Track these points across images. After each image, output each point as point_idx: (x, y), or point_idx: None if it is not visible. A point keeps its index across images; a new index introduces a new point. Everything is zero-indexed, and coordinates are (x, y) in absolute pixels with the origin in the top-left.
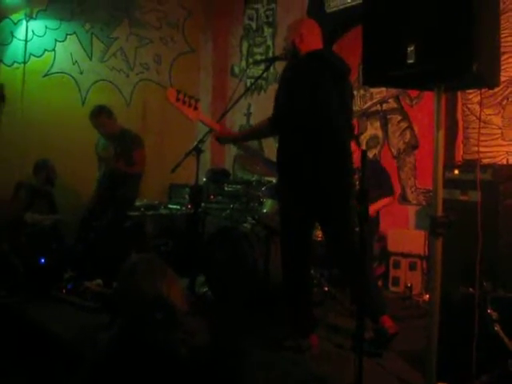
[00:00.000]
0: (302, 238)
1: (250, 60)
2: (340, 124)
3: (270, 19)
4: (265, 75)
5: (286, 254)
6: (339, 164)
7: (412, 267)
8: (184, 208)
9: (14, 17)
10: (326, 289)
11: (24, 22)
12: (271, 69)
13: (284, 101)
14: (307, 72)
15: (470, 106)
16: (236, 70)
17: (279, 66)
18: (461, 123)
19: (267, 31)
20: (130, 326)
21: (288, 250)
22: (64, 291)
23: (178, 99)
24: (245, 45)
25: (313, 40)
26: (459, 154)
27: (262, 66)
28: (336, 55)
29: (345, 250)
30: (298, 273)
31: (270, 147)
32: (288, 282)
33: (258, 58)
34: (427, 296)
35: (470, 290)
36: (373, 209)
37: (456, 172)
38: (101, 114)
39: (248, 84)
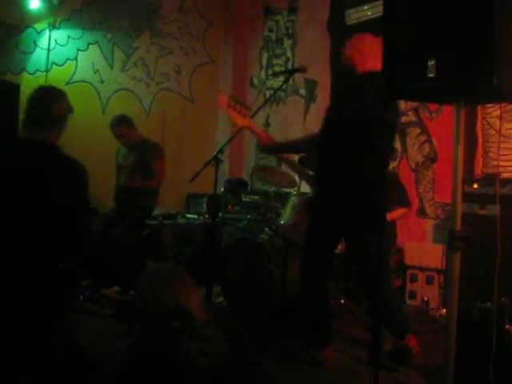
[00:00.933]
0: (328, 252)
1: (270, 71)
2: (385, 149)
3: (290, 31)
4: (284, 87)
5: (307, 265)
6: (379, 185)
7: (429, 281)
8: (201, 218)
9: (38, 26)
10: (343, 301)
11: (47, 31)
12: (290, 80)
13: (333, 118)
14: (359, 93)
15: (489, 119)
16: (255, 81)
17: (298, 78)
18: (480, 137)
19: (287, 43)
20: (148, 334)
21: (310, 263)
22: (81, 298)
23: (229, 105)
24: (264, 56)
25: (370, 59)
26: (478, 168)
27: (282, 78)
28: None
29: (369, 263)
30: (317, 286)
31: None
32: (306, 294)
33: (278, 69)
34: (444, 310)
35: (488, 304)
36: (388, 218)
37: (475, 186)
38: (121, 124)
39: (267, 95)
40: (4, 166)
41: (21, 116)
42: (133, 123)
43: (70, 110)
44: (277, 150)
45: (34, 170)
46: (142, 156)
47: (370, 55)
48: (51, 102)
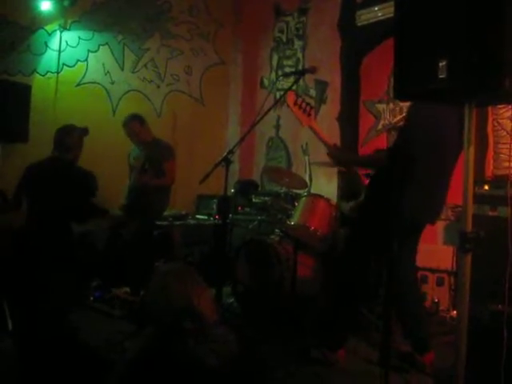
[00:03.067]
0: (369, 261)
1: (280, 72)
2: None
3: (301, 32)
4: (294, 88)
5: (356, 275)
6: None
7: (439, 283)
8: (212, 219)
9: (49, 27)
10: None
11: (58, 32)
12: (300, 81)
13: (413, 137)
14: (440, 115)
15: (500, 120)
16: (265, 82)
17: (308, 79)
18: (491, 138)
19: (297, 44)
20: (160, 334)
21: (353, 271)
22: (91, 299)
23: (295, 103)
24: (275, 57)
25: None
26: (489, 170)
27: (292, 79)
28: None
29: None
30: (360, 295)
31: (300, 162)
32: (344, 301)
33: (288, 70)
34: (454, 312)
35: (499, 307)
36: None
37: (486, 187)
38: (133, 121)
39: (277, 96)
40: (43, 173)
41: (32, 117)
42: (145, 122)
43: (80, 138)
44: (349, 161)
45: (57, 176)
46: (153, 155)
47: None
48: (64, 136)
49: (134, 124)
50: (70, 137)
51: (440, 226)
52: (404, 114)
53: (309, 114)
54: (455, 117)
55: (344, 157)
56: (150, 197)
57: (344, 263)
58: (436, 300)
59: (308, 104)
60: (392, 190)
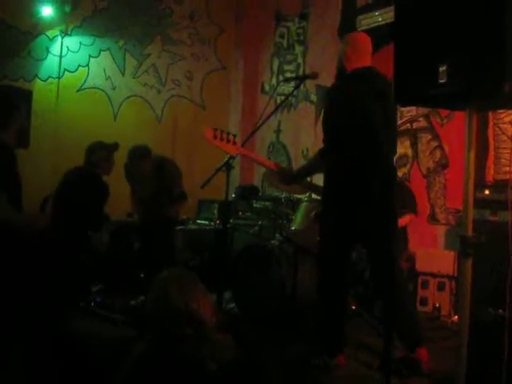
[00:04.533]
0: (344, 260)
1: (281, 77)
2: (383, 141)
3: (301, 37)
4: (295, 93)
5: (325, 274)
6: (387, 183)
7: (440, 287)
8: (212, 223)
9: (50, 33)
10: (353, 307)
11: (59, 38)
12: (301, 86)
13: (331, 121)
14: (348, 93)
15: (501, 125)
16: (266, 87)
17: (309, 84)
18: (492, 143)
19: (298, 49)
20: (160, 340)
21: (328, 272)
22: (92, 304)
23: (215, 137)
24: (275, 62)
25: (357, 57)
26: (490, 174)
27: (293, 84)
28: (379, 74)
29: (387, 271)
30: (336, 294)
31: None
32: (326, 306)
33: (289, 75)
34: (456, 317)
35: (500, 311)
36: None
37: (487, 192)
38: (143, 160)
39: (278, 101)
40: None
41: (33, 122)
42: (149, 154)
43: (108, 154)
44: (295, 177)
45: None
46: (162, 182)
47: (355, 53)
48: (89, 154)
49: (145, 165)
50: (94, 155)
51: (441, 230)
52: (404, 119)
53: (234, 143)
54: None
55: (289, 174)
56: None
57: (320, 263)
58: (437, 305)
59: (229, 134)
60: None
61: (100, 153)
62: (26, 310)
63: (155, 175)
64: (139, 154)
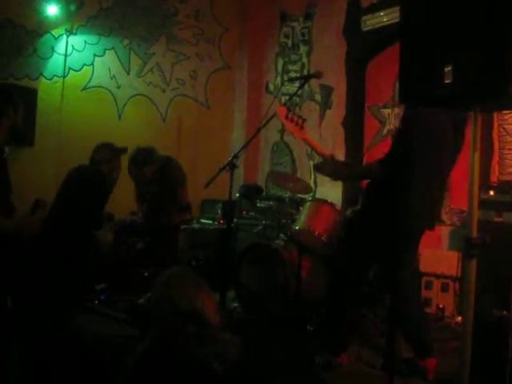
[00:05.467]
0: (367, 269)
1: (285, 77)
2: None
3: (306, 37)
4: (299, 93)
5: (347, 284)
6: (430, 212)
7: (444, 288)
8: (216, 223)
9: (55, 32)
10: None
11: (64, 36)
12: (306, 86)
13: (403, 146)
14: (434, 125)
15: (506, 126)
16: (271, 86)
17: (314, 84)
18: (496, 144)
19: (303, 49)
20: (163, 339)
21: (352, 282)
22: (96, 302)
23: (286, 117)
24: (280, 62)
25: None
26: (494, 175)
27: (297, 84)
28: None
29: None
30: (353, 302)
31: (305, 167)
32: (339, 309)
33: (293, 75)
34: (459, 318)
35: (504, 312)
36: None
37: (491, 193)
38: (146, 166)
39: (283, 101)
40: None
41: (38, 121)
42: (152, 159)
43: (113, 155)
44: (344, 175)
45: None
46: (167, 187)
47: None
48: (93, 153)
49: (148, 169)
50: (98, 154)
51: (445, 231)
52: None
53: (301, 127)
54: (450, 122)
55: (338, 168)
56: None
57: (343, 268)
58: (441, 306)
59: (300, 117)
60: (390, 198)
61: (104, 153)
62: (27, 309)
63: (158, 177)
64: (141, 160)
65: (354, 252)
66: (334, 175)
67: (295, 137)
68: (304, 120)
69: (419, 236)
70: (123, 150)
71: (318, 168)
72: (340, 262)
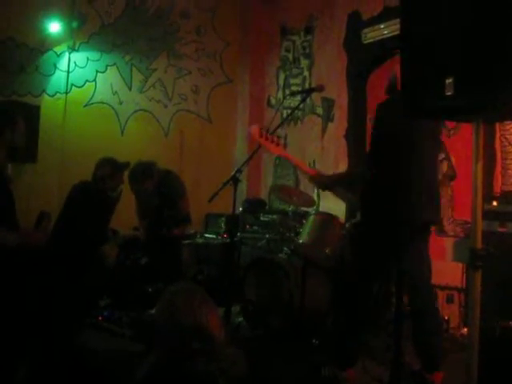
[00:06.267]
0: (376, 281)
1: (287, 91)
2: (430, 163)
3: (307, 50)
4: (301, 106)
5: (352, 291)
6: (429, 203)
7: (449, 300)
8: (220, 237)
9: (58, 49)
10: None
11: (67, 53)
12: (307, 99)
13: (378, 138)
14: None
15: (508, 136)
16: (273, 100)
17: (315, 97)
18: (499, 154)
19: (304, 62)
20: (168, 355)
21: (356, 288)
22: (100, 318)
23: (261, 135)
24: (281, 76)
25: None
26: (497, 186)
27: (299, 97)
28: None
29: (419, 288)
30: (362, 312)
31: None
32: (347, 320)
33: (295, 88)
34: (465, 329)
35: (510, 323)
36: None
37: (495, 203)
38: (146, 181)
39: (284, 115)
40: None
41: (41, 137)
42: (152, 174)
43: (116, 172)
44: (330, 183)
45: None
46: (166, 197)
47: None
48: (96, 168)
49: (148, 183)
50: (101, 170)
51: (449, 242)
52: None
53: (277, 144)
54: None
55: (325, 180)
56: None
57: (349, 281)
58: (446, 317)
59: (273, 134)
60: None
61: (106, 169)
62: (30, 326)
63: (158, 191)
64: (140, 174)
65: (359, 265)
66: (322, 185)
67: (274, 154)
68: (279, 137)
69: (427, 231)
70: (126, 166)
71: (274, 192)
72: (346, 276)
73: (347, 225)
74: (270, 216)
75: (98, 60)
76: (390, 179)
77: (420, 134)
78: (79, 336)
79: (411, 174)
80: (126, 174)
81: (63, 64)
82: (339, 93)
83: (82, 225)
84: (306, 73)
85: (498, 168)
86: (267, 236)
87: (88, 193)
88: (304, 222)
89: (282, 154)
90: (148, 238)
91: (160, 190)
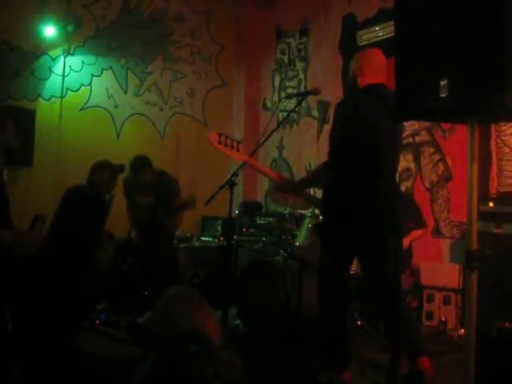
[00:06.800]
0: (342, 275)
1: (283, 94)
2: (389, 158)
3: (302, 53)
4: (297, 109)
5: (324, 290)
6: (387, 198)
7: (446, 301)
8: (216, 240)
9: (53, 53)
10: (359, 323)
11: (62, 57)
12: (303, 102)
13: (337, 134)
14: (359, 107)
15: (503, 137)
16: (268, 103)
17: (311, 100)
18: (494, 155)
19: (299, 65)
20: (165, 359)
21: (327, 287)
22: (97, 322)
23: (219, 142)
24: (277, 78)
25: (372, 73)
26: (493, 187)
27: (295, 100)
28: (390, 91)
29: (383, 283)
30: (335, 309)
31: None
32: (326, 320)
33: (290, 91)
34: (462, 331)
35: (507, 324)
36: (405, 241)
37: (490, 205)
38: (145, 168)
39: (280, 117)
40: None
41: (36, 141)
42: (150, 162)
43: (111, 176)
44: (295, 187)
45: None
46: (162, 194)
47: (370, 69)
48: (93, 173)
49: (147, 173)
50: (98, 175)
51: (445, 244)
52: (406, 133)
53: (237, 150)
54: (378, 108)
55: (289, 184)
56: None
57: (320, 278)
58: (443, 319)
59: (233, 139)
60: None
61: (104, 173)
62: (25, 326)
63: (154, 187)
64: (141, 164)
65: (328, 255)
66: (285, 189)
67: (235, 160)
68: (238, 142)
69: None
70: (121, 168)
71: (270, 195)
72: (320, 275)
73: (310, 225)
74: (267, 219)
75: (93, 64)
76: (347, 179)
77: (378, 133)
78: (75, 338)
79: (368, 174)
80: (121, 177)
81: (58, 68)
82: (335, 95)
83: (78, 228)
84: (301, 75)
85: (494, 169)
86: (264, 239)
87: (84, 196)
88: (300, 224)
89: (245, 159)
90: (142, 237)
91: (155, 190)
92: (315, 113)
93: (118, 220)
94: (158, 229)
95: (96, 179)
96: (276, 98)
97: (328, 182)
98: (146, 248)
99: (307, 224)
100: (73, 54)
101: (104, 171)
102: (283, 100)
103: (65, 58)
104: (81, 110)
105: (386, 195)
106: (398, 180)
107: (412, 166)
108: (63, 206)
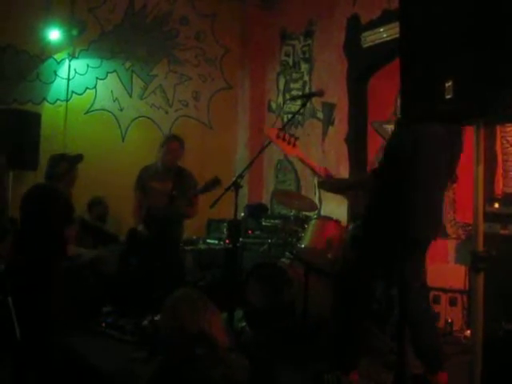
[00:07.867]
0: (373, 281)
1: (287, 96)
2: (442, 185)
3: (307, 55)
4: (302, 111)
5: (348, 291)
6: (431, 220)
7: (452, 302)
8: (222, 243)
9: (58, 56)
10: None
11: (67, 61)
12: (308, 104)
13: (393, 152)
14: (423, 127)
15: (509, 138)
16: (273, 105)
17: (316, 101)
18: (500, 156)
19: (304, 67)
20: (172, 361)
21: (359, 292)
22: (103, 325)
23: (278, 136)
24: (282, 80)
25: None
26: (499, 188)
27: (299, 102)
28: None
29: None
30: (361, 314)
31: (309, 184)
32: (342, 318)
33: (295, 93)
34: (468, 332)
35: None
36: None
37: (496, 206)
38: (177, 140)
39: (285, 119)
40: (27, 199)
41: (41, 144)
42: (184, 147)
43: (70, 167)
44: (339, 187)
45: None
46: (180, 183)
47: None
48: (49, 167)
49: (176, 143)
50: (56, 167)
51: (451, 245)
52: None
53: (294, 145)
54: (445, 133)
55: (335, 183)
56: (175, 224)
57: (347, 283)
58: (449, 320)
59: (292, 135)
60: (390, 207)
61: (61, 165)
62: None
63: (171, 174)
64: (182, 141)
65: (360, 267)
66: (333, 189)
67: (288, 155)
68: (296, 138)
69: (425, 244)
70: (79, 158)
71: (320, 184)
72: (347, 279)
73: (350, 227)
74: (272, 221)
75: (98, 67)
76: (394, 192)
77: (436, 149)
78: (83, 343)
79: (416, 192)
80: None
81: (63, 71)
82: (340, 97)
83: (45, 226)
84: (306, 77)
85: (500, 170)
86: (269, 241)
87: (45, 195)
88: (306, 226)
89: (298, 154)
90: (152, 236)
91: (173, 178)
92: (320, 115)
93: (120, 224)
94: (177, 214)
95: (57, 172)
96: (281, 100)
97: (376, 193)
98: (155, 248)
99: (313, 226)
100: (78, 58)
101: (62, 164)
102: (288, 102)
103: (70, 61)
104: (86, 113)
105: (429, 216)
106: None
107: None
108: (26, 206)
